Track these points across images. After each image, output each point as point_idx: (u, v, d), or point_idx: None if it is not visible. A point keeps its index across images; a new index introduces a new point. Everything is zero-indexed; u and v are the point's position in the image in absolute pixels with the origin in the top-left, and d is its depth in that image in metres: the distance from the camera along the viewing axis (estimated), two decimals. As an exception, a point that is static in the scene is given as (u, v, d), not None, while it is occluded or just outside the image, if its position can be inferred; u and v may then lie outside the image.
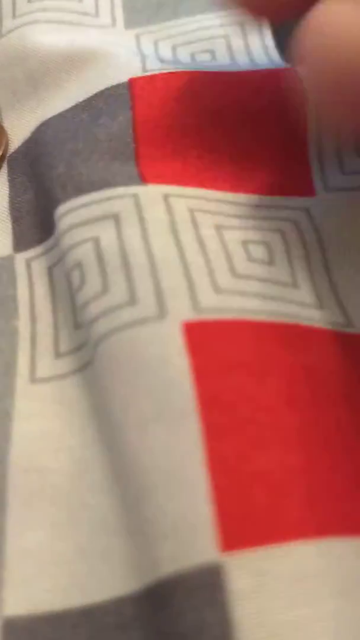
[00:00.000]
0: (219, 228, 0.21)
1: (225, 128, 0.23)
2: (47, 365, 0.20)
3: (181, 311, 0.18)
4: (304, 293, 0.20)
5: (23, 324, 0.21)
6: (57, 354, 0.20)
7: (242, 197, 0.22)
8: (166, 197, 0.21)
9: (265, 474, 0.16)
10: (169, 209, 0.21)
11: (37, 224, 0.23)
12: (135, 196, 0.21)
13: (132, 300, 0.19)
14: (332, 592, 0.15)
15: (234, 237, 0.21)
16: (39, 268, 0.22)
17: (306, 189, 0.23)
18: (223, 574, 0.15)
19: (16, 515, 0.18)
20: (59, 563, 0.17)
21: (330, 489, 0.16)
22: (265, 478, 0.16)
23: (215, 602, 0.15)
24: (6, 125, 0.26)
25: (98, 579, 0.16)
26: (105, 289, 0.20)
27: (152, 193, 0.21)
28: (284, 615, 0.14)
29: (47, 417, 0.19)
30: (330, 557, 0.15)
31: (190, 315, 0.18)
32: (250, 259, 0.20)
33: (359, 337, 0.19)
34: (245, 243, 0.21)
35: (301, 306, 0.20)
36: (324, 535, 0.15)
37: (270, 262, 0.20)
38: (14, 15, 0.28)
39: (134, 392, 0.17)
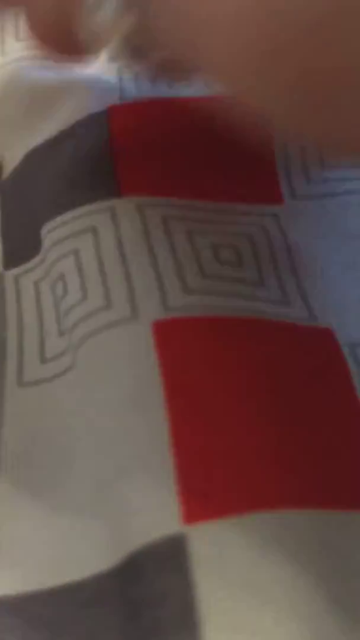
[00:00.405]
0: (190, 233, 0.22)
1: (197, 141, 0.25)
2: (33, 370, 0.21)
3: (152, 311, 0.20)
4: (271, 291, 0.21)
5: (11, 335, 0.22)
6: (43, 360, 0.21)
7: (213, 204, 0.24)
8: (140, 208, 0.23)
9: (224, 454, 0.17)
10: (143, 219, 0.22)
11: (24, 244, 0.25)
12: (111, 209, 0.23)
13: (108, 304, 0.20)
14: (288, 558, 0.16)
15: (204, 241, 0.22)
16: (26, 283, 0.23)
17: (275, 197, 0.24)
18: (185, 543, 0.16)
19: (6, 507, 0.19)
20: (45, 547, 0.18)
21: (286, 465, 0.17)
22: (224, 458, 0.17)
23: (178, 568, 0.16)
24: (-2, 155, 0.28)
25: (79, 559, 0.18)
26: (84, 296, 0.21)
27: (127, 204, 0.23)
28: (242, 578, 0.16)
29: (34, 418, 0.20)
30: (286, 526, 0.16)
31: (160, 315, 0.20)
32: (220, 260, 0.22)
33: (321, 329, 0.21)
34: (215, 246, 0.22)
35: (267, 303, 0.21)
36: (280, 507, 0.17)
37: (239, 263, 0.22)
38: (2, 53, 0.30)
39: (110, 387, 0.19)
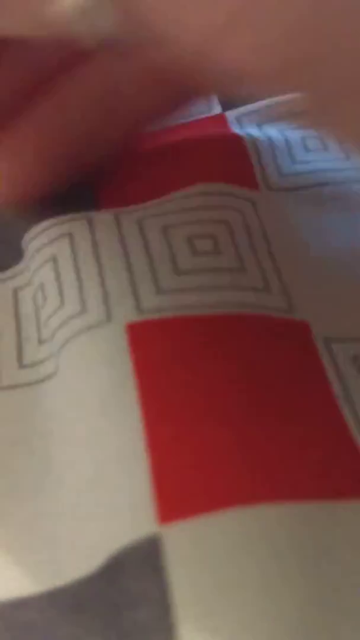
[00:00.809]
0: (165, 229, 0.22)
1: (175, 146, 0.25)
2: (11, 374, 0.21)
3: (125, 314, 0.20)
4: (251, 276, 0.21)
5: None
6: (22, 365, 0.22)
7: (189, 189, 0.24)
8: (117, 215, 0.23)
9: (199, 451, 0.17)
10: (119, 222, 0.23)
11: (4, 253, 0.25)
12: (88, 217, 0.23)
13: (83, 309, 0.21)
14: (262, 556, 0.16)
15: (179, 235, 0.22)
16: (4, 291, 0.24)
17: (251, 184, 0.24)
18: (161, 543, 0.16)
19: None
20: (26, 553, 0.18)
21: (264, 459, 0.17)
22: (199, 455, 0.17)
23: (154, 569, 0.16)
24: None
25: (62, 565, 0.18)
26: (62, 303, 0.21)
27: (104, 214, 0.23)
28: (215, 578, 0.16)
29: (12, 422, 0.20)
30: (265, 522, 0.16)
31: (134, 317, 0.20)
32: (195, 253, 0.22)
33: (298, 323, 0.21)
34: (190, 239, 0.22)
35: (246, 290, 0.21)
36: (258, 502, 0.17)
37: (217, 252, 0.22)
38: None
39: (85, 391, 0.19)
